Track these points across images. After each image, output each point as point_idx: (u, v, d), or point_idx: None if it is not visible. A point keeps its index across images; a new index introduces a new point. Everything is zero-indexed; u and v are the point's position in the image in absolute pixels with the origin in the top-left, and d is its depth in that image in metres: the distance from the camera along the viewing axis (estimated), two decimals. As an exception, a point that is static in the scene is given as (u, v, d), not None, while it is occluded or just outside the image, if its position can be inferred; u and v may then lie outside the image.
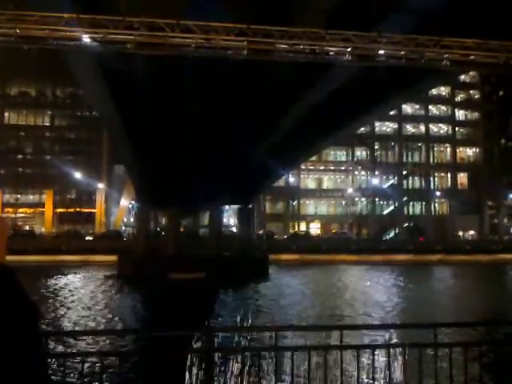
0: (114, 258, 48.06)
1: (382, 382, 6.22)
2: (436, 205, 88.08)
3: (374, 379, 5.18)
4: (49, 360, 4.77)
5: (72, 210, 76.89)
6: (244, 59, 22.06)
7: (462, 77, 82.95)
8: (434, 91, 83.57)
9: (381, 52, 22.33)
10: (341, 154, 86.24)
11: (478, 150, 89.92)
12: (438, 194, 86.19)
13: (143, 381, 11.04)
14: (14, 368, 2.24)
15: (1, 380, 2.23)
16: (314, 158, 73.52)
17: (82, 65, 26.92)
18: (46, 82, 78.60)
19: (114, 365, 5.74)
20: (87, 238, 66.28)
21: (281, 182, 75.23)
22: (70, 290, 34.50)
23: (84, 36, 20.51)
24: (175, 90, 28.84)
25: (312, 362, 4.90)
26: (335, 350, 5.00)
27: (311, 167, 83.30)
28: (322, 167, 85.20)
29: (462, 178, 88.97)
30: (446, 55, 22.48)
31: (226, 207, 68.05)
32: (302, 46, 21.49)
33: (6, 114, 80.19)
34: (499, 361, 6.01)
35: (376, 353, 5.30)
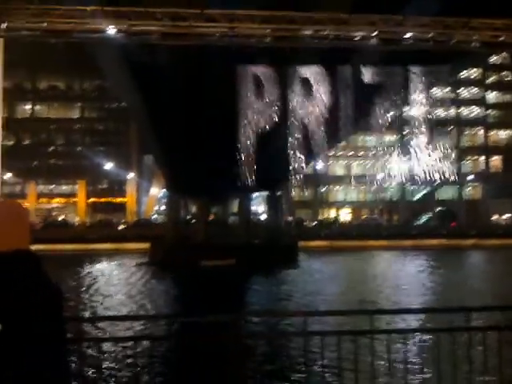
0: (145, 245, 48.78)
1: (414, 367, 6.22)
2: (469, 189, 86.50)
3: (406, 363, 5.16)
4: (83, 345, 4.89)
5: (104, 199, 78.20)
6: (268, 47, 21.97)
7: (493, 58, 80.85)
8: (464, 74, 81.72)
9: (407, 35, 21.93)
10: (370, 140, 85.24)
11: (511, 133, 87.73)
12: (470, 177, 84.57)
13: (176, 365, 11.24)
14: (14, 368, 2.29)
15: (1, 380, 2.28)
16: (342, 144, 72.91)
17: (108, 57, 27.22)
18: (74, 76, 79.67)
19: (147, 349, 5.88)
20: (119, 227, 67.36)
21: (309, 169, 74.85)
22: (103, 277, 35.23)
23: (108, 28, 20.71)
24: (200, 76, 28.85)
25: (342, 347, 4.92)
26: (365, 336, 5.01)
27: (340, 153, 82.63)
28: (350, 153, 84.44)
29: (496, 161, 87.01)
30: (475, 37, 21.95)
31: (255, 195, 68.13)
32: (326, 32, 21.26)
33: (37, 108, 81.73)
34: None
35: (408, 338, 5.28)
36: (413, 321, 11.66)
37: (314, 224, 72.96)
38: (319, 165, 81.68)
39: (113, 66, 29.27)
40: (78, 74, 77.54)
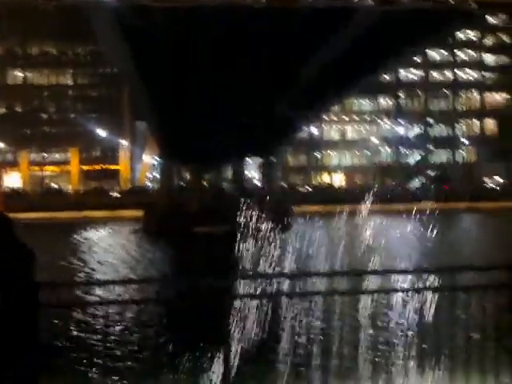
0: (139, 213, 48.79)
1: (401, 326, 6.23)
2: (463, 152, 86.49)
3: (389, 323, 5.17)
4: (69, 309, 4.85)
5: (97, 166, 77.85)
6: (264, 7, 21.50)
7: (492, 19, 79.72)
8: (461, 36, 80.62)
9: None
10: (364, 104, 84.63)
11: (507, 96, 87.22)
12: (464, 141, 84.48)
13: (173, 327, 11.34)
14: (14, 368, 2.25)
15: (1, 380, 2.24)
16: (336, 109, 72.42)
17: (100, 21, 26.65)
18: (66, 41, 78.16)
19: (140, 313, 5.86)
20: (113, 194, 67.25)
21: (304, 134, 74.51)
22: (98, 244, 35.36)
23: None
24: (193, 38, 28.35)
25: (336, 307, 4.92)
26: (352, 296, 4.99)
27: (334, 118, 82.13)
28: (345, 117, 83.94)
29: (491, 124, 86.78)
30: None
31: (249, 160, 67.92)
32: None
33: (29, 74, 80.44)
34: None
35: (394, 298, 5.28)
36: (397, 282, 11.73)
37: (308, 189, 73.06)
38: (314, 129, 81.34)
39: (105, 30, 28.73)
40: (70, 39, 76.05)
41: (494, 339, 5.28)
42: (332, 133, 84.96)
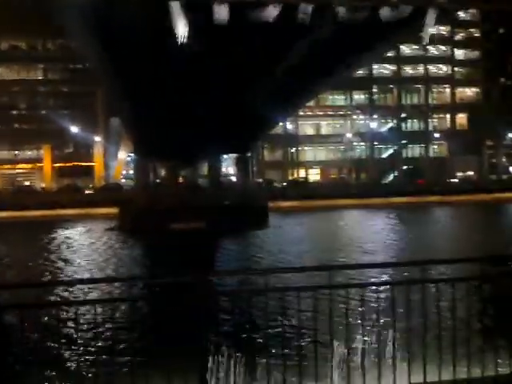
0: (114, 210, 48.35)
1: (370, 319, 6.35)
2: (435, 147, 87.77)
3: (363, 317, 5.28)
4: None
5: (70, 164, 76.79)
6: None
7: (462, 15, 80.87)
8: (433, 31, 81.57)
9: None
10: (339, 99, 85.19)
11: (477, 90, 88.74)
12: (437, 135, 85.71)
13: (145, 326, 11.30)
14: None
15: None
16: (311, 104, 72.68)
17: (70, 14, 26.25)
18: (37, 35, 76.70)
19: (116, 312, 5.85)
20: (87, 192, 66.46)
21: (279, 130, 74.68)
22: (70, 243, 34.93)
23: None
24: (167, 33, 28.05)
25: (306, 302, 5.00)
26: (327, 290, 5.08)
27: (309, 113, 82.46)
28: (320, 113, 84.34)
29: (462, 118, 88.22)
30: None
31: (225, 156, 67.81)
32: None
33: (-2, 70, 78.84)
34: (486, 296, 6.11)
35: (368, 291, 5.38)
36: (373, 276, 11.93)
37: (284, 184, 73.31)
38: (289, 125, 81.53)
39: (76, 24, 28.25)
40: (41, 33, 74.62)
41: (464, 330, 5.44)
42: (307, 128, 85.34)
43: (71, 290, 16.32)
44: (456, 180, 78.81)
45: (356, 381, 5.15)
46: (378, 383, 5.05)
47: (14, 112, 77.89)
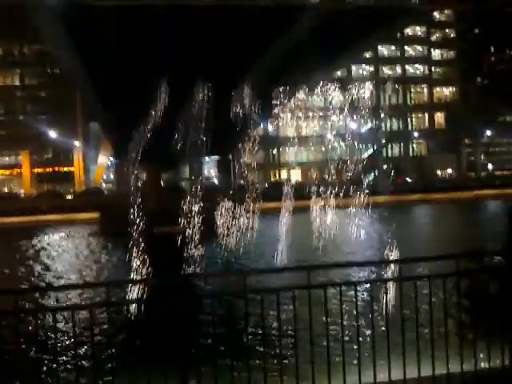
0: (95, 215, 47.94)
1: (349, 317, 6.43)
2: (414, 145, 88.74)
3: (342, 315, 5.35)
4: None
5: (50, 169, 76.01)
6: (210, 6, 21.50)
7: (437, 15, 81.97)
8: (409, 31, 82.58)
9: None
10: (318, 100, 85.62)
11: (454, 89, 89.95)
12: (415, 134, 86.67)
13: (136, 329, 11.26)
14: None
15: None
16: (292, 106, 72.88)
17: (46, 19, 26.05)
18: (13, 40, 75.79)
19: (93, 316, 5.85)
20: (67, 197, 65.83)
21: (260, 131, 74.82)
22: (52, 249, 34.57)
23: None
24: (141, 37, 28.03)
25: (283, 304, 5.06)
26: (305, 290, 5.14)
27: (290, 114, 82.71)
28: (300, 114, 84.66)
29: (439, 117, 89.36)
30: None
31: (206, 159, 67.77)
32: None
33: (-27, 75, 77.80)
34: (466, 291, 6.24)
35: (346, 289, 5.46)
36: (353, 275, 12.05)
37: (265, 186, 73.49)
38: (270, 127, 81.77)
39: (51, 29, 28.04)
40: (17, 38, 73.77)
41: (442, 326, 5.54)
42: (288, 129, 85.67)
43: (49, 296, 16.19)
44: (436, 178, 79.77)
45: (336, 378, 5.22)
46: (358, 381, 5.12)
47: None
